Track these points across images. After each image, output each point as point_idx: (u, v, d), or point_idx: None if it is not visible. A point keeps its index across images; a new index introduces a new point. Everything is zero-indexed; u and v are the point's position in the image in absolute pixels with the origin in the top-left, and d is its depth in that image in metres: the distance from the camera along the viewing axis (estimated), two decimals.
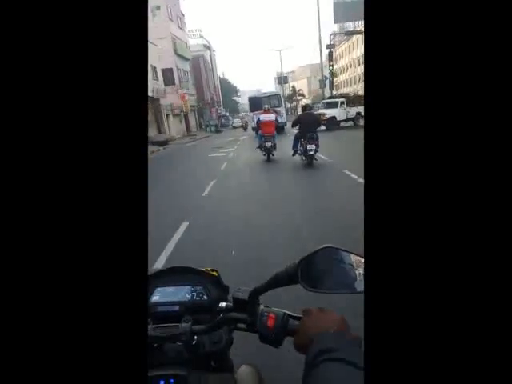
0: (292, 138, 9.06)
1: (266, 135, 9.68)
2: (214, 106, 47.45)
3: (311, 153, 7.94)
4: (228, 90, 70.71)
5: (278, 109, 19.61)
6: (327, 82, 28.54)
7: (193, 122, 38.19)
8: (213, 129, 36.43)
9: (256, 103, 19.86)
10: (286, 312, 0.64)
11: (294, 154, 8.84)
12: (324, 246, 0.59)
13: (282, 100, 23.02)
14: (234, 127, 40.50)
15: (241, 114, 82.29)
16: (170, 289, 0.77)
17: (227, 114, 59.08)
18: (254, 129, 20.25)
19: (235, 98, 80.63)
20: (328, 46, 25.69)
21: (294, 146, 8.76)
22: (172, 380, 0.62)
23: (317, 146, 8.01)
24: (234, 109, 76.98)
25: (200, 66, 44.92)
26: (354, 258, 0.60)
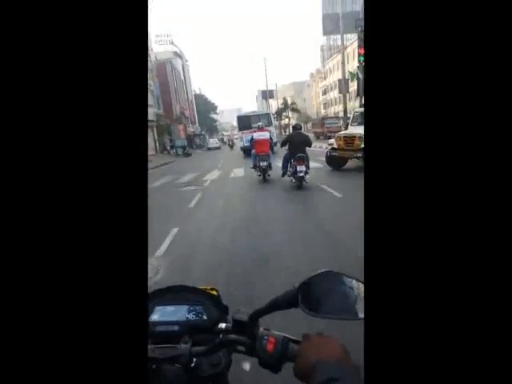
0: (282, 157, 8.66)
1: (261, 155, 9.10)
2: (181, 122, 39.49)
3: (301, 174, 7.52)
4: (205, 106, 66.42)
5: (268, 128, 18.95)
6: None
7: (150, 142, 27.82)
8: (179, 151, 28.86)
9: (245, 122, 19.32)
10: (286, 335, 0.63)
11: (283, 175, 8.44)
12: (324, 270, 0.60)
13: (273, 119, 22.46)
14: (210, 149, 34.24)
15: (220, 134, 76.42)
16: (170, 308, 0.76)
17: (203, 132, 52.99)
18: (242, 149, 19.24)
19: (213, 116, 76.60)
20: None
21: (284, 167, 8.37)
22: None
23: (307, 167, 7.60)
24: (211, 127, 72.98)
25: (167, 74, 37.92)
26: (354, 283, 0.60)
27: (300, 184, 7.64)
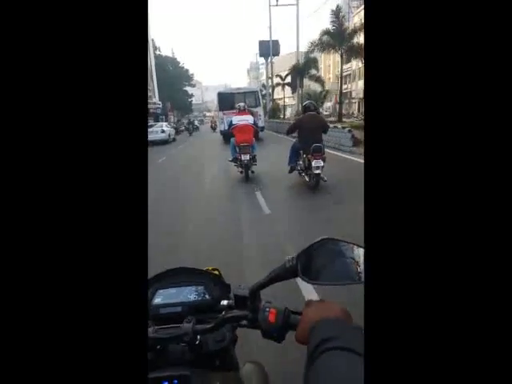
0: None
1: (242, 145, 6.93)
2: None
3: (318, 171, 5.62)
4: (174, 74, 44.76)
5: (254, 109, 15.55)
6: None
7: None
8: None
9: (226, 100, 16.06)
10: (288, 307, 0.64)
11: (290, 171, 6.49)
12: (322, 237, 0.60)
13: (261, 98, 18.28)
14: (153, 142, 17.98)
15: (202, 115, 58.35)
16: (172, 290, 0.77)
17: (165, 111, 38.37)
18: (222, 133, 15.60)
19: (187, 89, 52.15)
20: None
21: (291, 161, 6.42)
22: (175, 381, 0.62)
23: (324, 160, 5.70)
24: (183, 105, 50.72)
25: None
26: (353, 248, 0.60)
27: (316, 183, 5.75)
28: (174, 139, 21.76)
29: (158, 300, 0.75)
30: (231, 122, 7.30)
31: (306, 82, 30.19)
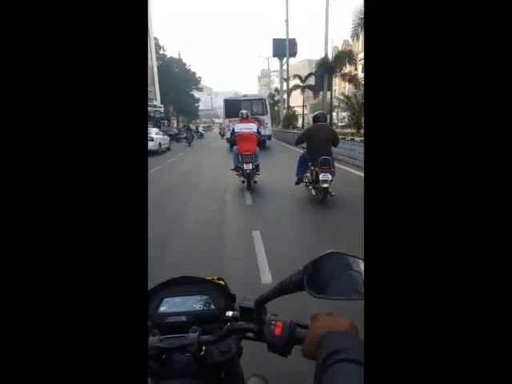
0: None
1: (245, 154, 6.62)
2: None
3: (325, 185, 5.36)
4: (180, 76, 41.51)
5: (261, 117, 15.63)
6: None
7: None
8: None
9: (233, 108, 15.29)
10: (294, 320, 0.62)
11: (297, 183, 6.26)
12: (328, 251, 0.59)
13: (268, 106, 17.52)
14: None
15: (210, 121, 54.26)
16: (177, 299, 0.76)
17: (168, 115, 35.41)
18: (229, 141, 14.26)
19: (194, 93, 47.91)
20: None
21: (299, 172, 6.18)
22: None
23: (333, 174, 5.46)
24: (188, 110, 46.39)
25: None
26: (359, 263, 0.58)
27: (323, 197, 5.50)
28: (167, 149, 18.48)
29: (163, 308, 0.74)
30: (233, 130, 6.98)
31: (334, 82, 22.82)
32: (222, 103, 19.35)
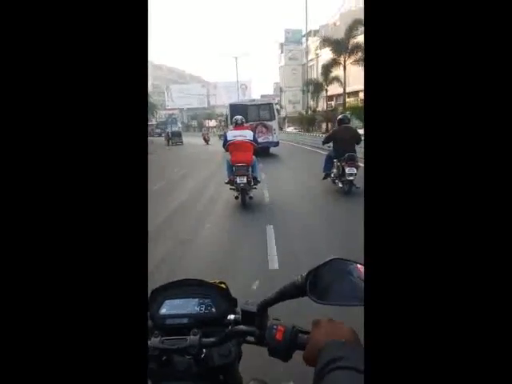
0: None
1: (239, 165, 5.68)
2: None
3: (351, 178, 6.22)
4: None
5: (269, 123, 14.61)
6: None
7: None
8: None
9: (239, 113, 12.94)
10: (295, 325, 0.63)
11: (325, 178, 7.12)
12: (331, 258, 0.60)
13: (275, 111, 16.14)
14: None
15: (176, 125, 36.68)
16: (179, 301, 0.77)
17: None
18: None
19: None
20: None
21: (326, 169, 7.05)
22: None
23: (357, 168, 6.30)
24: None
25: None
26: (362, 269, 0.59)
27: (349, 189, 6.35)
28: None
29: (164, 310, 0.75)
30: (226, 138, 6.03)
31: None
32: (223, 98, 17.86)
